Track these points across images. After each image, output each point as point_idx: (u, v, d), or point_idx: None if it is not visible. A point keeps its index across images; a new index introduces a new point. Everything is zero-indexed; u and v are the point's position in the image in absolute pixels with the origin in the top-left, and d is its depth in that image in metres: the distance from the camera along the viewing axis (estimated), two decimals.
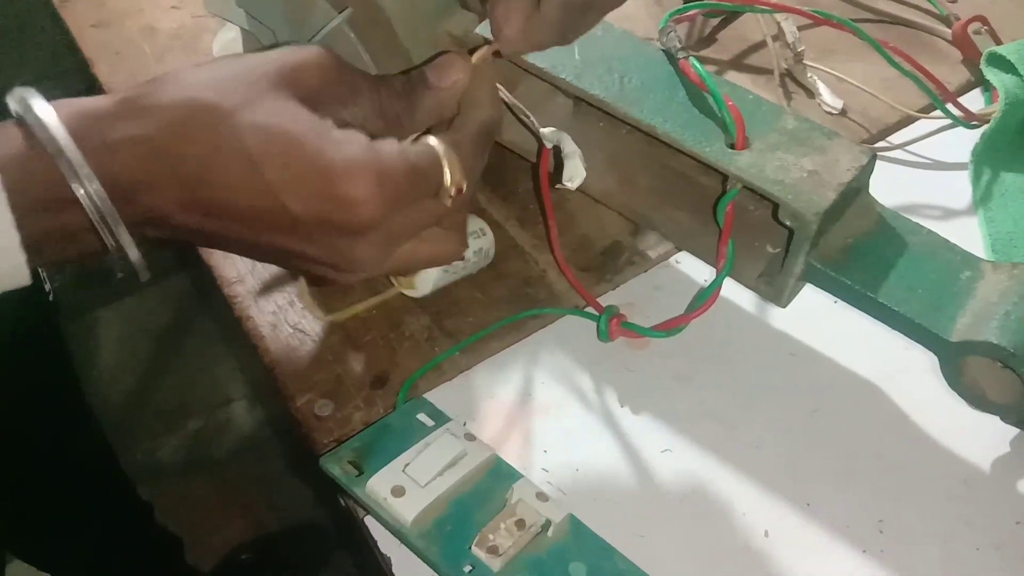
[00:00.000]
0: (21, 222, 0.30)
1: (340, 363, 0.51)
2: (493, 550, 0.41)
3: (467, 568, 0.41)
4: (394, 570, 0.44)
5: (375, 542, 0.45)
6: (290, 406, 0.50)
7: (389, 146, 0.33)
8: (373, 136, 0.34)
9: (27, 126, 0.31)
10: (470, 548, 0.41)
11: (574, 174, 0.44)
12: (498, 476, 0.44)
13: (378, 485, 0.42)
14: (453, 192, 0.35)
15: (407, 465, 0.43)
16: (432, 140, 0.35)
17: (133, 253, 0.32)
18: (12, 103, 0.31)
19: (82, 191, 0.30)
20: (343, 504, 0.47)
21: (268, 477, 1.33)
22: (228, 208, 0.32)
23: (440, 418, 0.47)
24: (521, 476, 0.45)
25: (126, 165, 0.31)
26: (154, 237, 0.34)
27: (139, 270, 0.33)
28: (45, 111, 0.31)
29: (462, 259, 0.46)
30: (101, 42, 0.69)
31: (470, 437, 0.46)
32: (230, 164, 0.31)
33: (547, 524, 0.42)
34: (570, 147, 0.44)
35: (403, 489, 0.42)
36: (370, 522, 0.46)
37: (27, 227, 0.30)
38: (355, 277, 0.35)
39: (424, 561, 0.42)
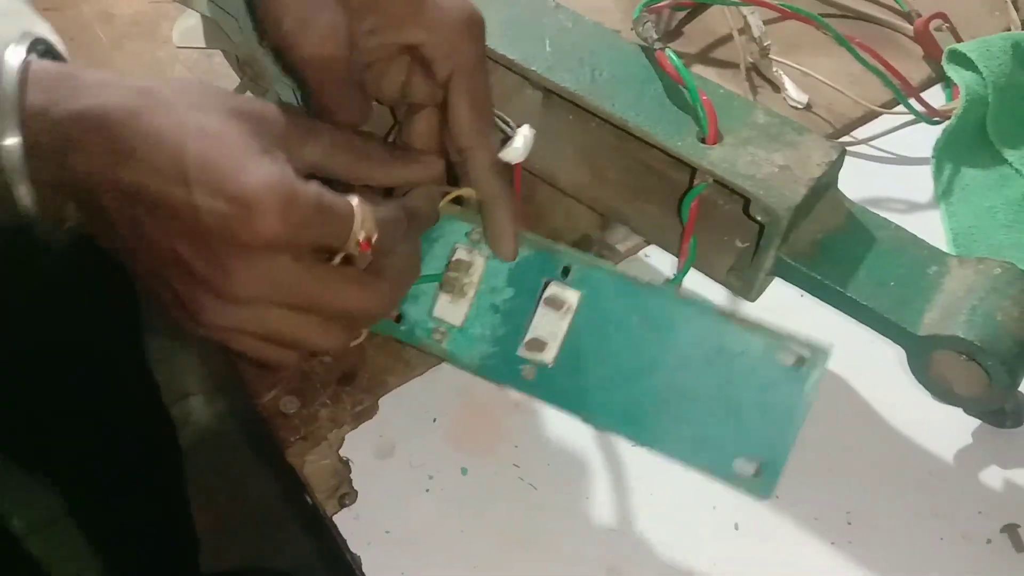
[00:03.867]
0: None
1: (306, 359, 0.50)
2: (538, 346, 0.41)
3: (524, 371, 0.42)
4: (364, 569, 0.44)
5: (344, 541, 0.45)
6: (255, 402, 0.49)
7: (310, 182, 0.34)
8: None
9: None
10: (518, 352, 0.42)
11: (512, 153, 0.43)
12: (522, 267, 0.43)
13: (440, 311, 0.43)
14: (361, 239, 0.34)
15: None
16: (353, 197, 0.35)
17: (28, 200, 0.33)
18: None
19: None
20: (310, 502, 0.46)
21: (230, 472, 1.31)
22: (141, 190, 0.32)
23: None
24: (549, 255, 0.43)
25: (61, 123, 0.32)
26: (66, 219, 0.35)
27: (35, 219, 0.33)
28: (15, 54, 0.33)
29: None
30: (55, 27, 0.67)
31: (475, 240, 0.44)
32: (161, 148, 0.32)
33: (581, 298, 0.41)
34: (526, 129, 0.43)
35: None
36: (339, 519, 0.45)
37: None
38: (227, 315, 0.34)
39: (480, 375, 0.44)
